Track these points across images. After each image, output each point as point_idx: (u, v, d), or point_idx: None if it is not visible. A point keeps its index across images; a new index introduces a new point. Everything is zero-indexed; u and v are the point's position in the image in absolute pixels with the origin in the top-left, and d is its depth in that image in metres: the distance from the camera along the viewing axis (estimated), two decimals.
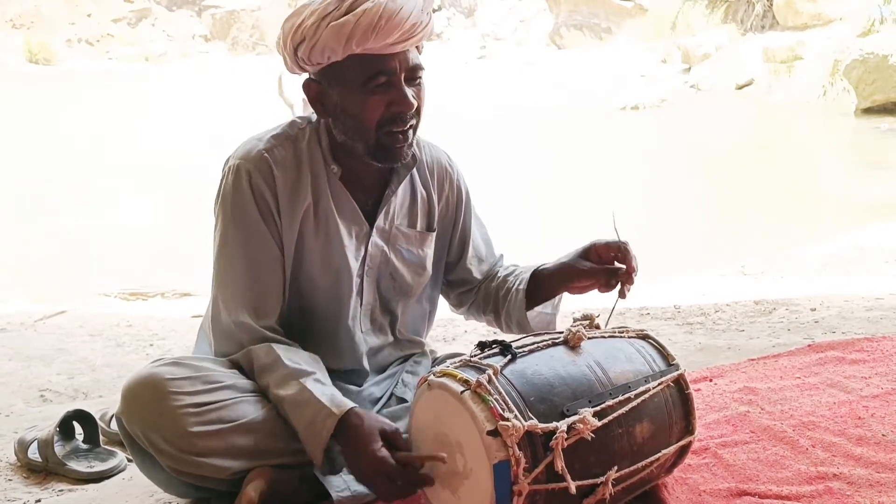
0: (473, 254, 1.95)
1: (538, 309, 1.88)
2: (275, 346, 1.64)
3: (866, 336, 2.39)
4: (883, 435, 1.79)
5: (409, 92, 1.63)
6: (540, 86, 14.42)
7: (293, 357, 1.63)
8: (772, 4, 14.13)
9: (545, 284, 1.82)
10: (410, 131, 1.66)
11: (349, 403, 1.55)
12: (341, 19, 1.57)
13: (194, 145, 9.26)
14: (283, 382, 1.59)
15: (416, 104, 1.63)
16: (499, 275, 1.94)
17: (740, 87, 13.00)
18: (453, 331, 3.03)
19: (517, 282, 1.87)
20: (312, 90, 1.69)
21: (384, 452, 1.48)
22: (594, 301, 1.89)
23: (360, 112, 1.63)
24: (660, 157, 8.78)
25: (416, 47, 1.66)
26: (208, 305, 1.78)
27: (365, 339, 1.81)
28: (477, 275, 1.95)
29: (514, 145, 9.88)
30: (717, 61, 13.80)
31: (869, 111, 9.91)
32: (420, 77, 1.65)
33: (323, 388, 1.58)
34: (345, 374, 1.80)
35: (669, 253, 4.73)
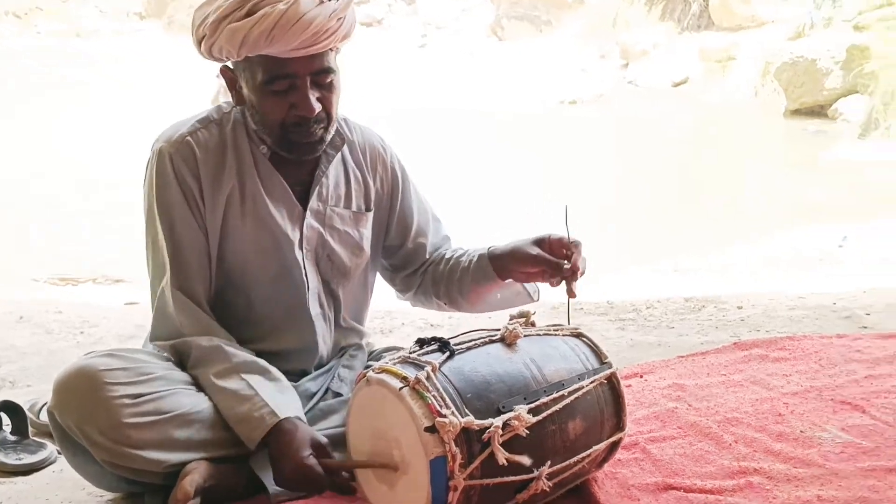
0: (417, 233, 1.95)
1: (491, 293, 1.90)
2: (216, 339, 1.64)
3: (788, 335, 2.49)
4: (801, 431, 1.87)
5: (314, 95, 1.63)
6: (480, 77, 14.45)
7: (238, 352, 1.64)
8: (708, 5, 14.42)
9: (494, 265, 1.84)
10: (319, 130, 1.68)
11: (289, 411, 1.56)
12: (238, 23, 1.58)
13: (127, 126, 9.06)
14: (227, 374, 1.60)
15: (318, 108, 1.64)
16: (446, 256, 1.94)
17: (676, 85, 13.24)
18: (391, 322, 3.05)
19: (467, 261, 1.88)
20: (227, 77, 1.72)
21: (312, 460, 1.51)
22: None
23: (263, 110, 1.66)
24: (596, 153, 8.91)
25: (331, 49, 1.66)
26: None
27: (316, 324, 1.82)
28: (423, 255, 1.95)
29: (452, 136, 9.90)
30: (654, 58, 14.03)
31: (798, 113, 10.20)
32: (330, 80, 1.66)
33: (265, 388, 1.59)
34: (297, 355, 1.80)
35: (603, 248, 4.82)
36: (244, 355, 1.65)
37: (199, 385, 1.64)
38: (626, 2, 16.15)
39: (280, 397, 1.60)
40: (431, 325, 3.01)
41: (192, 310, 1.67)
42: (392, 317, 3.10)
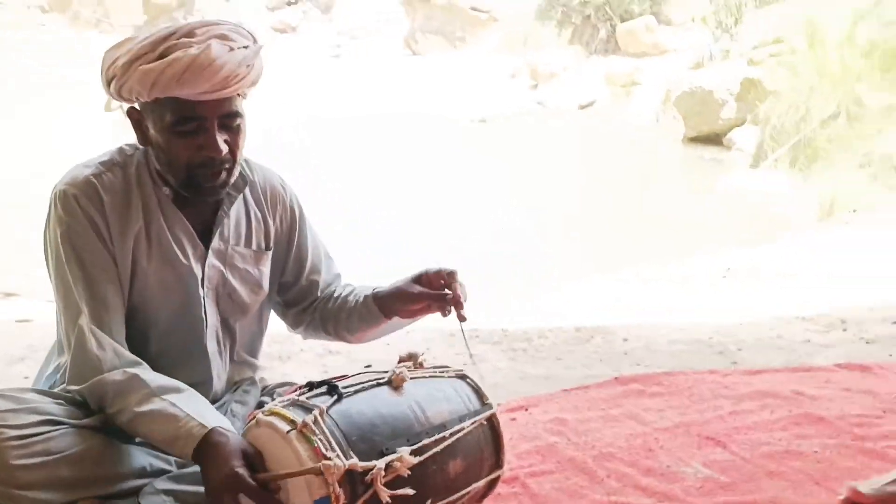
0: (311, 271, 2.02)
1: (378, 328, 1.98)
2: (129, 369, 1.65)
3: (665, 371, 2.65)
4: (668, 466, 2.01)
5: (221, 138, 1.69)
6: (393, 90, 14.56)
7: (154, 377, 1.65)
8: (615, 30, 14.90)
9: (379, 306, 1.93)
10: (223, 172, 1.73)
11: (216, 422, 1.58)
12: (150, 65, 1.62)
13: (26, 135, 8.78)
14: (147, 400, 1.60)
15: (225, 150, 1.69)
16: (335, 294, 2.02)
17: (583, 107, 13.64)
18: (289, 348, 3.09)
19: (354, 301, 1.96)
20: (133, 117, 1.75)
21: (243, 471, 1.50)
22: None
23: (170, 151, 1.69)
24: (501, 173, 9.11)
25: (239, 94, 1.72)
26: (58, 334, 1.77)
27: (212, 360, 1.86)
28: (315, 292, 2.03)
29: (363, 150, 9.95)
30: (562, 80, 14.40)
31: (695, 140, 10.65)
32: (237, 124, 1.72)
33: (189, 404, 1.61)
34: None
35: (500, 273, 4.97)
36: (162, 379, 1.65)
37: (106, 424, 1.65)
38: (538, 23, 16.52)
39: (205, 410, 1.62)
40: (330, 352, 3.07)
41: (112, 346, 1.67)
42: (291, 342, 3.14)
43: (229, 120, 1.71)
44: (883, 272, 4.23)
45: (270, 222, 1.93)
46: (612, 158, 10.19)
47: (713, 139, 10.42)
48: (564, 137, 11.28)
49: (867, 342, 3.02)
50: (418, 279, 1.87)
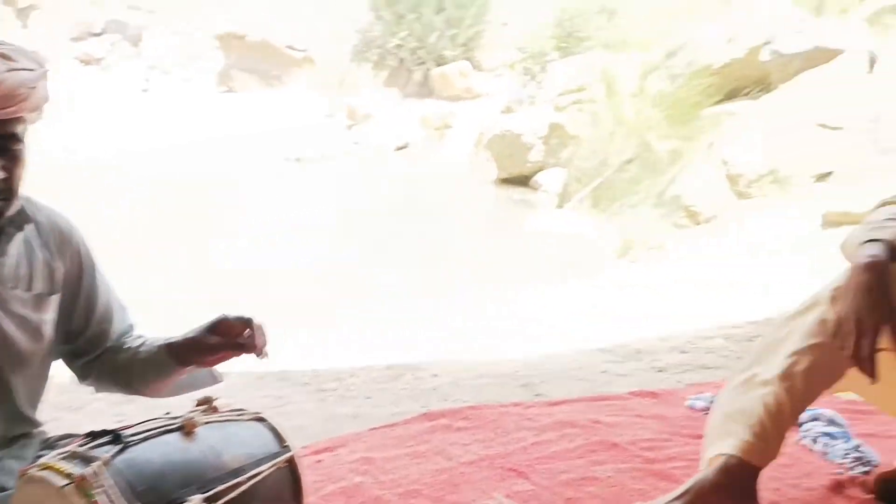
0: (101, 319, 1.90)
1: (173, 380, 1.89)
2: None
3: (472, 404, 2.69)
4: (473, 500, 2.03)
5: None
6: (204, 127, 14.18)
7: None
8: (429, 74, 15.30)
9: (174, 357, 1.84)
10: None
11: None
12: None
13: None
14: None
15: (3, 176, 1.58)
16: (126, 345, 1.91)
17: (399, 149, 13.87)
18: (80, 398, 2.89)
19: (146, 353, 1.86)
20: None
21: None
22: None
23: None
24: (314, 212, 9.06)
25: (19, 118, 1.61)
26: None
27: None
28: (105, 341, 1.90)
29: (173, 185, 9.61)
30: (378, 122, 14.59)
31: (506, 181, 11.07)
32: (16, 148, 1.61)
33: None
34: None
35: (315, 312, 4.91)
36: None
37: None
38: (354, 64, 16.69)
39: None
40: (128, 400, 2.89)
41: None
42: (83, 390, 2.93)
43: (8, 142, 1.58)
44: (673, 304, 4.53)
45: (58, 265, 1.80)
46: (426, 199, 10.39)
47: (522, 181, 10.87)
48: (380, 178, 11.41)
49: (658, 370, 3.21)
50: (213, 328, 1.80)
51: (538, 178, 10.68)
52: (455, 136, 13.20)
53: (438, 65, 15.17)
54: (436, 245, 8.06)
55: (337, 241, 7.99)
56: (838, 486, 2.03)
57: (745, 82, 8.42)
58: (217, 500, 1.51)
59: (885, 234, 1.64)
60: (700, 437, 2.14)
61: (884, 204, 1.77)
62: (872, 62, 7.41)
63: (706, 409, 2.52)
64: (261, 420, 1.73)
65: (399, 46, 15.65)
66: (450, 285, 6.27)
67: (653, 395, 2.79)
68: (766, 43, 8.26)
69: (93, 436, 1.53)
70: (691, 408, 2.61)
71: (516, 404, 2.70)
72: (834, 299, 1.65)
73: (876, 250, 1.62)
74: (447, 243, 8.22)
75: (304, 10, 18.32)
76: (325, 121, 15.11)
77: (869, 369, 1.59)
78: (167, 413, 2.24)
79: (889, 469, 2.01)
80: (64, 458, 1.46)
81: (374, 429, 2.48)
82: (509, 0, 16.63)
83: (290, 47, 18.73)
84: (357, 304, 5.73)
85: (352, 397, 2.91)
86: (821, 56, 7.68)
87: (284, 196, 9.92)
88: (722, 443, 1.76)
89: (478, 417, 2.57)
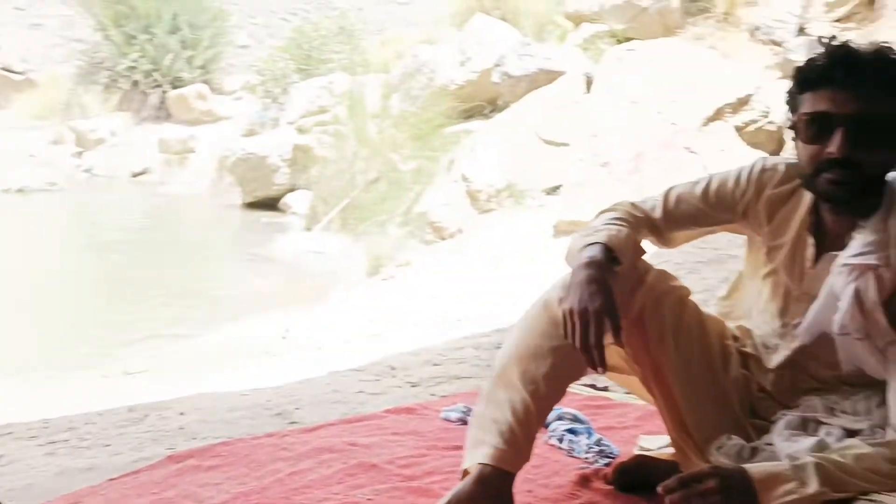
0: None
1: None
2: None
3: (223, 440, 2.54)
4: None
5: None
6: None
7: None
8: (166, 97, 14.65)
9: None
10: None
11: None
12: None
13: None
14: None
15: None
16: None
17: (136, 175, 13.14)
18: None
19: None
20: None
21: None
22: None
23: None
24: (44, 247, 8.32)
25: None
26: None
27: None
28: None
29: None
30: (111, 148, 13.74)
31: (252, 205, 10.82)
32: None
33: None
34: None
35: (41, 354, 4.48)
36: None
37: None
38: (81, 87, 15.62)
39: None
40: None
41: None
42: None
43: None
44: (423, 319, 4.62)
45: None
46: (167, 228, 9.91)
47: (269, 204, 10.68)
48: (116, 207, 10.71)
49: (412, 385, 3.23)
50: None
51: (286, 200, 10.56)
52: (196, 161, 12.72)
53: (175, 87, 14.55)
54: (184, 274, 7.69)
55: (68, 278, 7.37)
56: (584, 480, 2.13)
57: (480, 102, 8.85)
58: None
59: (600, 237, 1.75)
60: (456, 448, 2.17)
61: (602, 213, 1.89)
62: (589, 83, 8.05)
63: (460, 420, 2.56)
64: None
65: (131, 68, 14.83)
66: (198, 317, 5.99)
67: (408, 410, 2.79)
68: (496, 65, 8.73)
69: None
70: (446, 419, 2.64)
71: (270, 435, 2.59)
72: (561, 300, 1.72)
73: (593, 252, 1.72)
74: (197, 272, 7.86)
75: (22, 31, 16.93)
76: (51, 148, 13.98)
77: (596, 358, 1.66)
78: None
79: (626, 459, 2.14)
80: None
81: (113, 479, 2.26)
82: (247, 22, 16.39)
83: (8, 69, 17.18)
84: (96, 346, 5.31)
85: (87, 447, 2.65)
86: (544, 77, 8.24)
87: (4, 232, 9.01)
88: (476, 452, 1.78)
89: (229, 454, 2.43)
